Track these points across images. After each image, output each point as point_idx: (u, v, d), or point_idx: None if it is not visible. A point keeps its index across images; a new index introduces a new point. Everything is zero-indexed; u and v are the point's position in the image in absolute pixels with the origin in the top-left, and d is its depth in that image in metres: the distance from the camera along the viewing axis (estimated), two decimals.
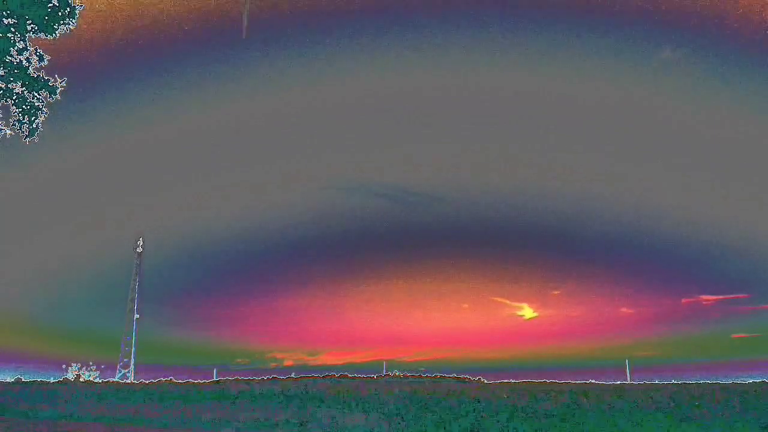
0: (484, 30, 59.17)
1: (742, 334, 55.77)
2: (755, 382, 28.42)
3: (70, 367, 39.71)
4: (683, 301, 59.43)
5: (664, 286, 60.64)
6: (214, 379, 39.27)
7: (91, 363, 41.37)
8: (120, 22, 59.04)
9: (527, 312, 64.90)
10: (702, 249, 58.56)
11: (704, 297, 57.94)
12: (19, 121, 16.97)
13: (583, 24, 57.58)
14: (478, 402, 17.77)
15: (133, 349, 52.00)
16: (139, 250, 54.18)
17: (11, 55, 16.64)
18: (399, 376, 33.97)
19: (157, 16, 59.66)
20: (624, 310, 62.37)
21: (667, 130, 61.32)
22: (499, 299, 65.40)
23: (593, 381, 30.12)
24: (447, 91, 63.03)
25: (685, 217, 60.75)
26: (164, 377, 36.40)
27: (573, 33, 58.08)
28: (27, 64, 16.88)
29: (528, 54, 59.42)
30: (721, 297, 57.52)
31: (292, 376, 34.14)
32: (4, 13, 16.16)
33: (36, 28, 16.68)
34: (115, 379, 47.67)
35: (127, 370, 51.66)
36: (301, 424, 13.96)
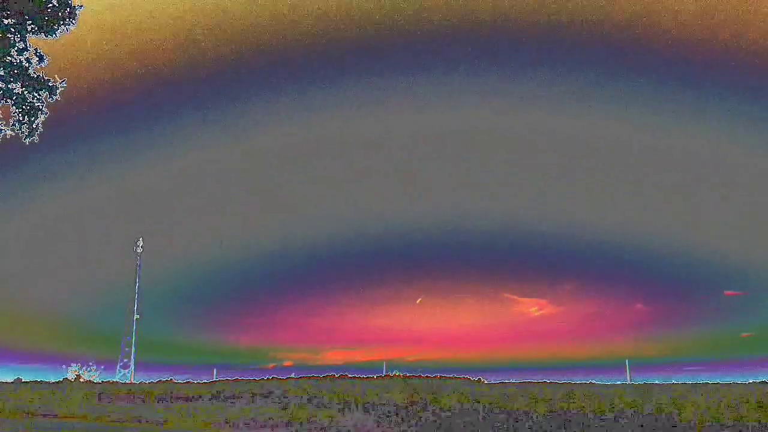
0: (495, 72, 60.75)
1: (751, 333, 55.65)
2: (755, 382, 28.44)
3: (69, 367, 39.79)
4: (701, 297, 59.28)
5: (679, 284, 60.84)
6: (214, 379, 39.30)
7: (91, 363, 41.44)
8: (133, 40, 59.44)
9: (534, 310, 64.91)
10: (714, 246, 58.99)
11: (726, 292, 57.92)
12: (19, 121, 17.00)
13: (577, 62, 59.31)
14: (478, 402, 17.78)
15: (133, 349, 52.02)
16: (139, 250, 54.24)
17: (11, 56, 16.64)
18: (399, 376, 33.97)
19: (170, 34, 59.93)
20: (638, 307, 62.40)
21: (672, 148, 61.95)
22: (503, 297, 65.38)
23: (593, 381, 30.10)
24: (475, 122, 64.29)
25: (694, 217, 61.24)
26: (164, 377, 36.46)
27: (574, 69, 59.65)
28: (27, 65, 16.89)
29: (545, 89, 60.60)
30: (741, 293, 57.52)
31: (292, 376, 34.17)
32: (4, 13, 16.16)
33: (36, 28, 16.68)
34: (115, 379, 47.67)
35: (127, 371, 51.69)
36: (301, 424, 13.96)
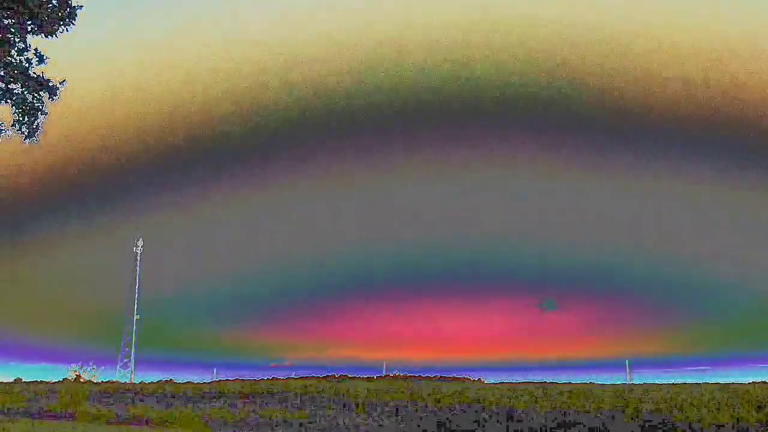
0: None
1: None
2: (755, 382, 28.44)
3: (69, 367, 39.81)
4: None
5: (679, 284, 61.68)
6: (214, 378, 39.33)
7: (90, 362, 41.46)
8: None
9: (533, 312, 64.96)
10: None
11: None
12: (18, 121, 16.95)
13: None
14: (478, 402, 17.79)
15: (133, 349, 52.01)
16: (139, 250, 54.19)
17: (11, 56, 16.62)
18: (399, 376, 33.98)
19: None
20: (638, 307, 62.63)
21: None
22: (503, 298, 65.38)
23: (593, 381, 30.10)
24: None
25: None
26: (164, 377, 36.50)
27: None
28: (27, 65, 16.87)
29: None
30: None
31: (292, 376, 34.17)
32: (4, 13, 16.15)
33: (36, 28, 16.66)
34: (115, 379, 47.65)
35: (127, 370, 51.68)
36: (301, 425, 13.96)
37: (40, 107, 17.16)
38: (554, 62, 64.55)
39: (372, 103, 69.65)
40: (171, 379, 34.92)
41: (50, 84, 17.16)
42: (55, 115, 17.75)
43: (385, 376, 34.85)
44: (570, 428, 12.52)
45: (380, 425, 13.62)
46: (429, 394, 20.07)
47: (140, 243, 54.23)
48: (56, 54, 17.51)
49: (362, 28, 68.66)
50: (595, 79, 64.42)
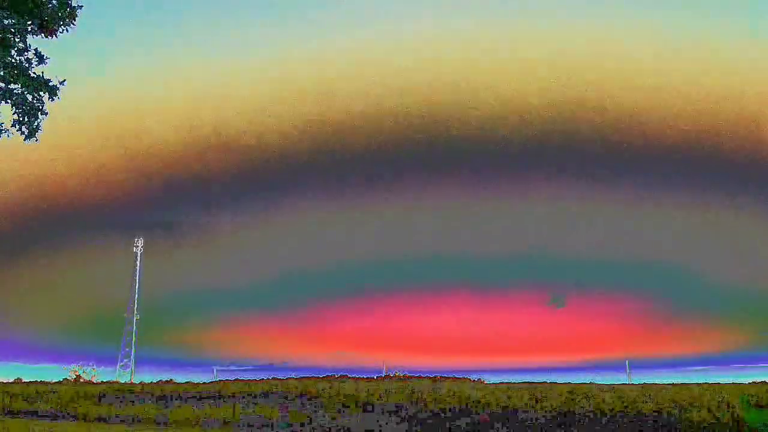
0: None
1: None
2: (755, 382, 28.43)
3: (69, 367, 39.83)
4: None
5: (679, 285, 62.15)
6: (215, 379, 39.33)
7: (90, 363, 41.48)
8: None
9: (532, 312, 65.02)
10: None
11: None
12: (18, 121, 16.91)
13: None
14: (478, 402, 17.79)
15: (133, 349, 52.01)
16: (139, 251, 54.19)
17: (11, 56, 16.60)
18: (399, 376, 33.98)
19: None
20: (639, 307, 62.73)
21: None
22: (503, 298, 65.49)
23: (593, 381, 30.06)
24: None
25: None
26: (164, 377, 36.49)
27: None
28: (27, 65, 16.84)
29: None
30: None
31: (292, 376, 34.15)
32: (4, 13, 16.14)
33: (36, 28, 16.63)
34: (115, 379, 47.66)
35: (127, 370, 51.67)
36: (302, 425, 13.97)
37: (40, 107, 17.12)
38: (566, 98, 65.17)
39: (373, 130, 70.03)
40: (171, 379, 34.89)
41: (50, 84, 17.11)
42: (55, 115, 17.72)
43: (385, 376, 34.84)
44: (570, 428, 12.52)
45: (380, 425, 13.62)
46: (429, 394, 20.07)
47: (140, 243, 54.24)
48: (56, 54, 17.48)
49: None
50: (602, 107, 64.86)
